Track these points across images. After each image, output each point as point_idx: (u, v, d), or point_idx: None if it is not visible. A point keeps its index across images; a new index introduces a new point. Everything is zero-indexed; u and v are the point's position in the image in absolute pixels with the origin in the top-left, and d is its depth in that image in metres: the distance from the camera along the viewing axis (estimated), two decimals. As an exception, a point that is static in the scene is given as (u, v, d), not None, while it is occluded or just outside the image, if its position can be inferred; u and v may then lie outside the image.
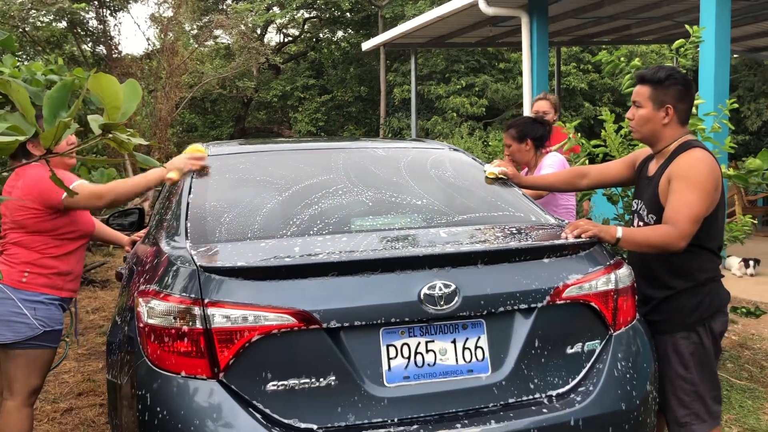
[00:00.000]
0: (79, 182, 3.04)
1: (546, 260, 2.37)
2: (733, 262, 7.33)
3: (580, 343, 2.38)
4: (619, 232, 2.56)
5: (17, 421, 3.04)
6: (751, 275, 7.17)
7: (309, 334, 2.11)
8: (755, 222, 11.84)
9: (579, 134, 4.60)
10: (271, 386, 2.10)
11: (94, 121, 2.02)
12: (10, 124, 1.88)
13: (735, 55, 16.42)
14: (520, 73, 20.85)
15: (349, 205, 2.72)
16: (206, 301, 2.09)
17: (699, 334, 2.68)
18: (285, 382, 2.11)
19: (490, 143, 7.06)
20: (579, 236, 2.48)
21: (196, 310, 2.09)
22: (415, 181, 2.97)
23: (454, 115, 18.98)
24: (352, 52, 21.84)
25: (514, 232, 2.58)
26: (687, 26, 4.60)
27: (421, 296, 2.17)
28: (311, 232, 2.49)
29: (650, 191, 2.76)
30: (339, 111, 21.78)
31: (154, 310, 2.15)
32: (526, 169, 4.07)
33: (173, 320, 2.12)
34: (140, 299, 2.23)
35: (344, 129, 21.42)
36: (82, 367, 5.02)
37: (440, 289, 2.18)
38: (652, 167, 2.82)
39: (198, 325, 2.09)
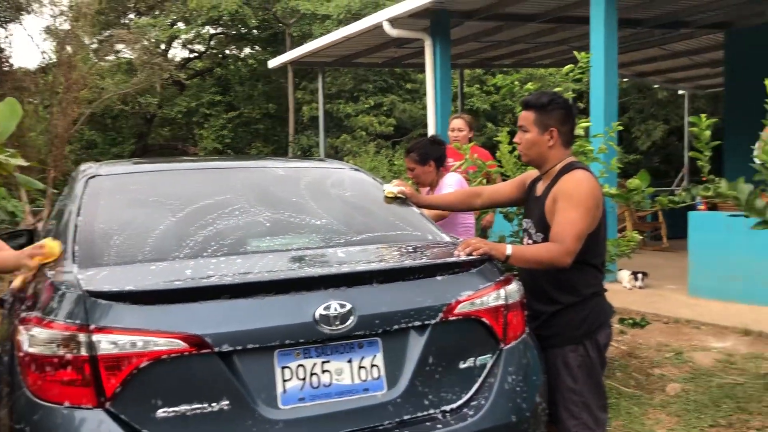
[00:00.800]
0: None
1: (439, 278, 2.43)
2: (624, 275, 7.72)
3: (473, 358, 2.45)
4: (509, 249, 2.66)
5: None
6: (640, 287, 7.57)
7: (200, 358, 2.07)
8: (644, 237, 12.45)
9: (476, 155, 4.76)
10: (161, 413, 2.04)
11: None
12: None
13: (625, 80, 17.40)
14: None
15: (246, 226, 2.70)
16: (92, 327, 2.02)
17: (586, 347, 2.81)
18: (176, 408, 2.06)
19: (395, 162, 7.15)
20: (470, 254, 2.56)
21: (81, 337, 2.02)
22: (314, 201, 2.98)
23: (363, 133, 19.16)
24: (259, 69, 21.70)
25: (410, 250, 2.63)
26: (576, 53, 4.85)
27: (316, 317, 2.18)
28: (205, 254, 2.45)
29: (538, 211, 2.88)
30: (246, 128, 21.56)
31: (35, 338, 2.06)
32: (428, 188, 4.17)
33: (56, 348, 2.03)
34: (21, 327, 2.13)
35: (252, 146, 21.20)
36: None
37: (335, 310, 2.20)
38: (540, 188, 2.95)
39: (83, 353, 2.01)
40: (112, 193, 2.86)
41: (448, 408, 2.36)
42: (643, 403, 4.10)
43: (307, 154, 19.22)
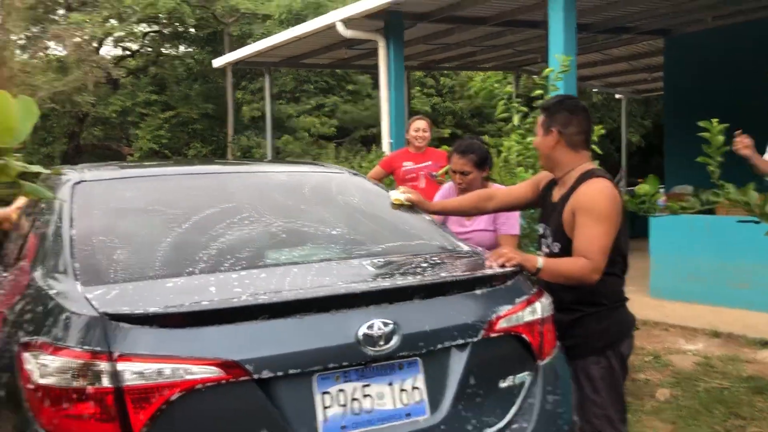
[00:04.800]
0: None
1: (478, 292, 2.29)
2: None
3: (512, 377, 2.32)
4: (540, 262, 2.56)
5: None
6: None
7: (238, 386, 1.87)
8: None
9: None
10: (195, 449, 1.83)
11: (-31, 145, 1.67)
12: None
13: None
14: (369, 95, 21.28)
15: (260, 237, 2.49)
16: (115, 354, 1.79)
17: (608, 359, 2.74)
18: (211, 443, 1.85)
19: (363, 164, 6.99)
20: (503, 265, 2.43)
21: (103, 366, 1.79)
22: (323, 209, 2.80)
23: (306, 134, 18.89)
24: (196, 69, 21.10)
25: (438, 262, 2.49)
26: (556, 55, 4.82)
27: (359, 337, 2.00)
28: (222, 268, 2.24)
29: (555, 219, 2.80)
30: (184, 128, 20.91)
31: (47, 368, 1.81)
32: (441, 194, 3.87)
33: (73, 379, 1.79)
34: (26, 354, 1.88)
35: (190, 147, 20.60)
36: None
37: (379, 329, 2.03)
38: (556, 194, 2.87)
39: (106, 384, 1.78)
40: (105, 201, 2.60)
41: (490, 430, 2.22)
42: (635, 409, 4.08)
43: (246, 154, 18.81)
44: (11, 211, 3.45)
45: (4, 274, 2.88)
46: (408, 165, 5.56)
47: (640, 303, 6.91)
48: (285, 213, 2.69)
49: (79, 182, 2.67)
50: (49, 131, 19.78)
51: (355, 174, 3.33)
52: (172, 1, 18.45)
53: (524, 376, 2.35)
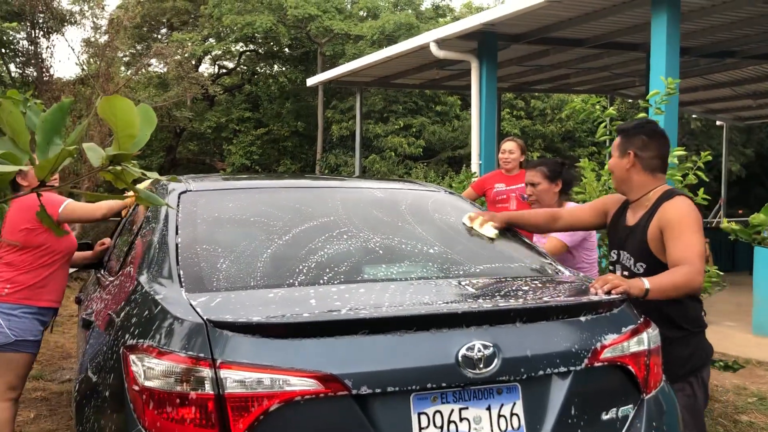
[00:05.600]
0: (69, 201, 3.43)
1: (583, 318, 2.20)
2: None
3: (615, 409, 2.20)
4: (647, 283, 2.45)
5: None
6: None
7: (335, 401, 1.85)
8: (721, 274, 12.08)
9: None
10: (290, 462, 1.82)
11: (91, 150, 1.73)
12: (3, 151, 1.59)
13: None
14: (457, 116, 21.24)
15: (358, 252, 2.49)
16: (218, 361, 1.81)
17: (692, 386, 2.70)
18: (306, 458, 1.83)
19: (453, 185, 6.96)
20: (609, 292, 2.32)
21: (206, 372, 1.81)
22: (421, 226, 2.77)
23: (392, 154, 19.01)
24: (288, 87, 21.65)
25: (543, 286, 2.41)
26: (662, 78, 4.64)
27: (459, 358, 1.95)
28: (321, 281, 2.24)
29: (636, 241, 2.76)
30: (274, 145, 21.47)
31: (152, 371, 1.85)
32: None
33: (177, 383, 1.82)
34: (133, 356, 1.92)
35: (279, 163, 21.11)
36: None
37: (479, 351, 1.97)
38: (631, 217, 2.84)
39: (208, 390, 1.80)
40: (209, 211, 2.66)
41: (591, 465, 2.12)
42: (740, 453, 3.83)
43: (334, 172, 19.08)
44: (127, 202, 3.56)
45: (110, 278, 2.99)
46: (499, 187, 5.48)
47: (742, 340, 6.54)
48: (382, 229, 2.68)
49: (184, 192, 2.75)
50: (147, 144, 20.67)
51: (451, 193, 3.30)
52: (269, 21, 19.05)
53: (628, 410, 2.23)
